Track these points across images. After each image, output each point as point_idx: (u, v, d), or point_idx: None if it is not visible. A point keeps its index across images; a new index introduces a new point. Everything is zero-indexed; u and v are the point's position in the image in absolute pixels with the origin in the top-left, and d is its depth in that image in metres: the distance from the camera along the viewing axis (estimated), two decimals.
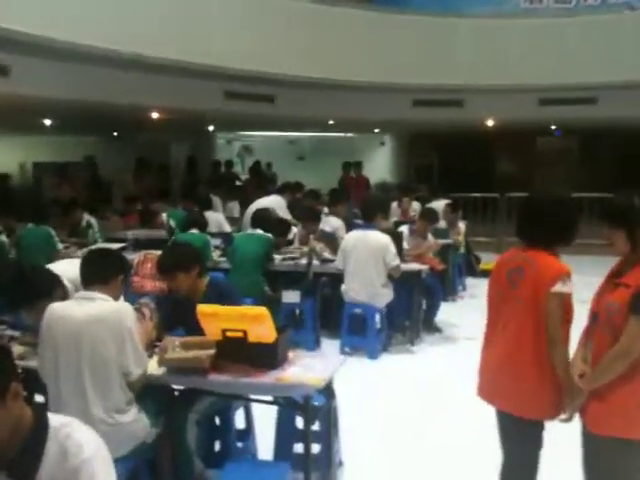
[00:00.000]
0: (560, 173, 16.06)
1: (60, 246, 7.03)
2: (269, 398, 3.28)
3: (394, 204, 9.95)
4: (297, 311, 6.34)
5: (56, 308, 3.04)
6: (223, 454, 3.64)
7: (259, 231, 6.47)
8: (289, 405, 3.16)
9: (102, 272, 3.17)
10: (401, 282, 6.18)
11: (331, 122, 13.60)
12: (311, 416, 3.10)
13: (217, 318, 3.09)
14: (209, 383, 3.09)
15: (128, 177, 13.31)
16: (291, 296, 6.08)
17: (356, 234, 6.14)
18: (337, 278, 6.20)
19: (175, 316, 3.75)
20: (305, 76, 10.38)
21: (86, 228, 7.75)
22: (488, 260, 9.85)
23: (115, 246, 7.16)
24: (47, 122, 12.58)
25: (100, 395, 2.93)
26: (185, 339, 3.38)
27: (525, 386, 2.70)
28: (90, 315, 2.95)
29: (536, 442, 2.80)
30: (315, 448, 3.51)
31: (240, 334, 3.07)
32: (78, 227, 7.81)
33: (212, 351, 3.18)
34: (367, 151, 18.66)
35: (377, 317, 6.12)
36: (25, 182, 13.58)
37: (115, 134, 16.35)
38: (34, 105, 9.65)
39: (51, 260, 6.85)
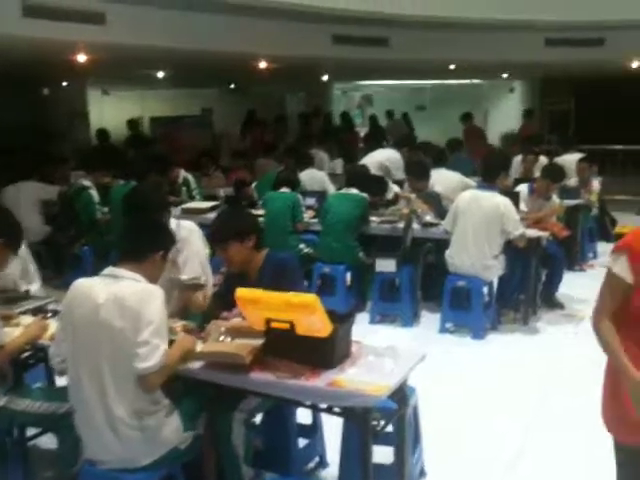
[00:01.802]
0: None
1: None
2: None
3: (517, 158, 8.90)
4: (396, 281, 5.66)
5: (78, 285, 2.62)
6: (283, 454, 3.13)
7: (354, 190, 5.83)
8: (346, 415, 2.56)
9: (136, 246, 2.72)
10: (515, 250, 5.33)
11: (452, 67, 12.47)
12: (370, 431, 2.48)
13: (258, 306, 2.53)
14: (250, 382, 2.56)
15: (236, 131, 13.04)
16: (386, 264, 5.43)
17: (471, 194, 5.33)
18: (443, 244, 5.44)
19: (232, 293, 3.24)
20: (422, 15, 9.38)
21: (182, 185, 7.44)
22: (626, 222, 8.64)
23: (209, 204, 6.85)
24: (160, 74, 12.47)
25: (122, 394, 2.49)
26: (234, 324, 2.87)
27: None
28: (111, 298, 2.49)
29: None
30: (389, 454, 2.93)
31: (286, 325, 2.49)
32: (175, 184, 7.53)
33: (260, 342, 2.64)
34: (495, 99, 17.27)
35: (484, 291, 5.33)
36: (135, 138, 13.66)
37: (231, 86, 16.13)
38: (140, 56, 9.44)
39: None
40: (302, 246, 6.00)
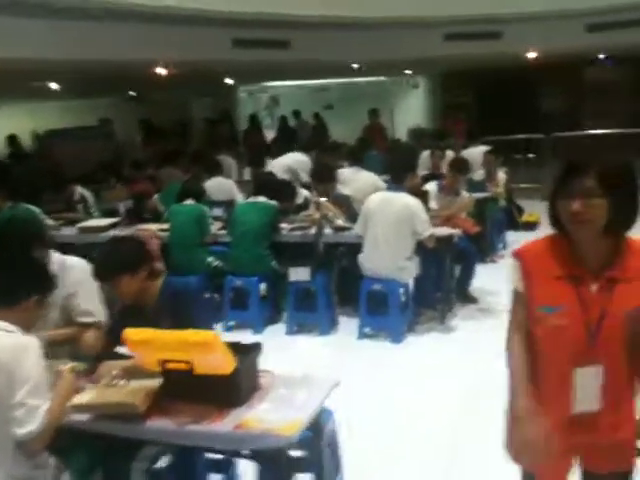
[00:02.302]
0: (612, 107, 14.64)
1: (50, 222, 6.31)
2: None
3: (425, 153, 8.93)
4: (311, 289, 5.48)
5: None
6: None
7: (262, 198, 5.60)
8: (257, 458, 2.34)
9: (6, 290, 2.38)
10: (428, 249, 5.26)
11: (355, 66, 12.46)
12: (285, 471, 2.28)
13: (150, 347, 2.26)
14: (147, 432, 2.29)
15: (137, 140, 12.55)
16: (299, 273, 5.24)
17: (381, 196, 5.20)
18: (357, 248, 5.30)
19: (123, 328, 2.95)
20: (320, 15, 9.26)
21: (78, 202, 6.99)
22: (532, 210, 8.83)
23: (108, 221, 6.46)
24: (54, 86, 11.81)
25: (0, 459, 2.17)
26: (127, 364, 2.59)
27: None
28: None
29: None
30: None
31: (184, 366, 2.24)
32: (71, 202, 7.06)
33: (156, 383, 2.37)
34: (400, 95, 17.45)
35: (401, 293, 5.24)
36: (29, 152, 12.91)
37: (131, 94, 15.54)
38: (32, 69, 8.84)
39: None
40: (211, 259, 5.72)
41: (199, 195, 5.84)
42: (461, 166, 6.20)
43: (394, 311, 5.12)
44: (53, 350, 3.02)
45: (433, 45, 10.56)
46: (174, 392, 2.33)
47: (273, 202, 5.57)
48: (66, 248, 6.27)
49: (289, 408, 2.29)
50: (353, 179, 6.30)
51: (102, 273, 2.84)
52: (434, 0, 9.82)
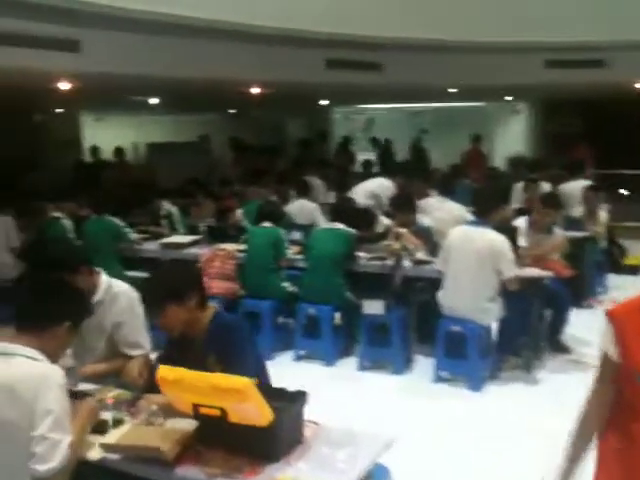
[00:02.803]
0: None
1: (133, 237, 6.37)
2: None
3: (519, 185, 8.45)
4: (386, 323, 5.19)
5: None
6: None
7: (340, 225, 5.39)
8: None
9: (36, 315, 2.26)
10: (515, 290, 4.86)
11: (452, 90, 12.10)
12: None
13: (182, 388, 2.08)
14: (174, 478, 2.10)
15: (229, 157, 12.69)
16: (373, 306, 4.97)
17: (463, 231, 4.85)
18: (438, 283, 4.96)
19: (174, 360, 2.80)
20: (415, 37, 9.02)
21: (164, 217, 7.04)
22: (637, 252, 8.16)
23: (189, 238, 6.44)
24: (152, 101, 12.16)
25: None
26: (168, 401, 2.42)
27: None
28: (0, 381, 2.04)
29: None
30: None
31: (217, 412, 2.04)
32: (158, 216, 7.13)
33: (193, 425, 2.19)
34: (500, 121, 16.83)
35: (481, 336, 4.86)
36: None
37: (231, 111, 15.83)
38: (122, 84, 9.10)
39: (120, 253, 6.27)
40: (286, 284, 5.56)
41: (277, 217, 5.70)
42: (553, 201, 5.71)
43: (473, 356, 4.76)
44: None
45: (533, 71, 10.05)
46: (207, 438, 2.14)
47: (351, 230, 5.34)
48: (148, 263, 6.44)
49: (328, 471, 2.03)
50: (437, 209, 5.97)
51: (150, 301, 2.70)
52: (535, 25, 9.36)
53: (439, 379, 4.90)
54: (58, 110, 13.26)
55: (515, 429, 4.20)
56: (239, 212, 7.06)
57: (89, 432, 2.30)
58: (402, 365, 5.12)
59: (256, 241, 5.59)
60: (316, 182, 8.86)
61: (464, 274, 4.68)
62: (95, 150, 12.04)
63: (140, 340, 3.01)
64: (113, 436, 2.25)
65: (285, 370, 5.24)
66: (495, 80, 10.29)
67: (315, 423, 2.35)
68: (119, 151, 11.71)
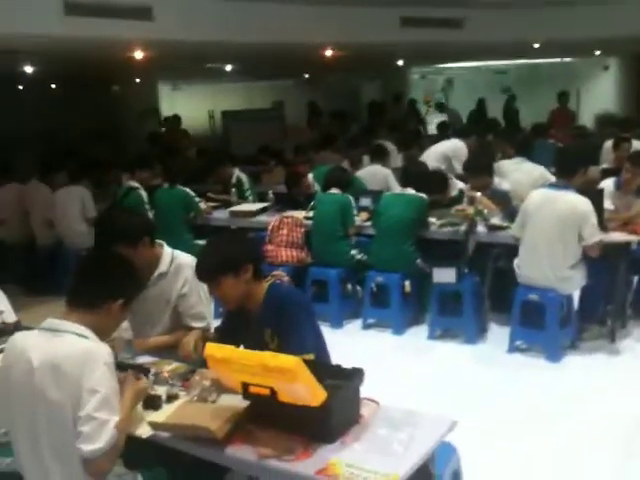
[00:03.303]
0: None
1: (202, 206, 6.39)
2: None
3: (608, 144, 7.91)
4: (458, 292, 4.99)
5: (16, 340, 2.17)
6: None
7: (410, 190, 5.19)
8: None
9: (88, 290, 2.21)
10: (600, 256, 4.54)
11: (536, 46, 11.44)
12: None
13: (230, 367, 2.00)
14: (225, 458, 2.04)
15: (302, 124, 12.53)
16: (444, 275, 4.77)
17: (543, 194, 4.53)
18: (515, 249, 4.70)
19: (233, 332, 2.74)
20: None
21: (235, 185, 7.01)
22: None
23: (258, 206, 6.40)
24: (227, 68, 12.15)
25: (66, 476, 2.03)
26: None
27: None
28: (47, 359, 2.02)
29: None
30: None
31: (267, 391, 1.95)
32: (227, 184, 7.12)
33: (242, 406, 2.11)
34: (587, 78, 15.91)
35: (561, 306, 4.58)
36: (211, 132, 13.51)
37: (305, 76, 15.65)
38: (197, 52, 9.09)
39: (190, 222, 6.31)
40: (354, 252, 5.43)
41: (345, 184, 5.54)
42: None
43: (552, 326, 4.49)
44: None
45: (625, 23, 9.34)
46: (259, 418, 2.06)
47: (422, 195, 5.13)
48: (218, 232, 6.46)
49: (385, 455, 1.92)
50: (514, 171, 5.64)
51: (203, 273, 2.61)
52: None
53: (515, 349, 4.67)
54: (136, 81, 13.49)
55: (596, 397, 3.97)
56: (310, 177, 6.95)
57: (142, 408, 2.27)
58: (475, 334, 4.91)
59: (323, 208, 5.47)
60: (390, 146, 8.62)
61: (543, 241, 4.40)
62: (168, 119, 12.10)
63: (203, 311, 2.97)
64: (164, 413, 2.21)
65: (353, 339, 5.17)
66: (583, 33, 9.64)
67: (374, 402, 2.23)
68: (174, 119, 11.72)
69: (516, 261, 4.62)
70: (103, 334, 2.18)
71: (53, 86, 12.31)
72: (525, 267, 4.55)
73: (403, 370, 4.49)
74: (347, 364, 4.54)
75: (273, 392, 1.93)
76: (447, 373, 4.46)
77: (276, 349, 2.53)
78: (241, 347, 2.75)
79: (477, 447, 3.17)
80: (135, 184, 6.66)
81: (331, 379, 2.12)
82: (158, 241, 3.08)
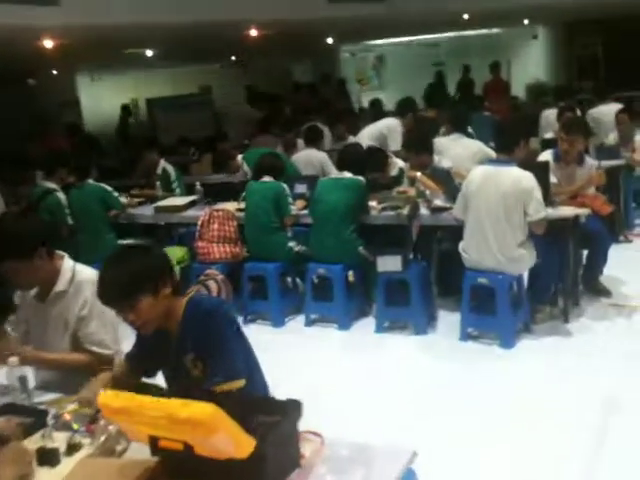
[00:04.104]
0: None
1: (123, 201, 5.87)
2: None
3: (548, 112, 7.79)
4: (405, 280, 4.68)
5: None
6: None
7: (347, 174, 4.84)
8: None
9: None
10: (548, 233, 4.31)
11: (466, 17, 11.24)
12: None
13: (131, 417, 1.60)
14: None
15: (245, 108, 11.98)
16: (389, 263, 4.46)
17: (484, 171, 4.24)
18: (460, 231, 4.43)
19: (145, 360, 2.33)
20: None
21: (161, 177, 6.51)
22: None
23: (185, 200, 5.94)
24: (148, 53, 11.49)
25: None
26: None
27: None
28: None
29: None
30: None
31: (179, 446, 1.56)
32: (152, 176, 6.61)
33: (154, 463, 1.71)
34: (517, 48, 15.89)
35: (512, 288, 4.34)
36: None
37: (233, 59, 15.06)
38: (110, 36, 8.47)
39: (112, 220, 5.80)
40: (292, 244, 5.06)
41: (278, 171, 5.14)
42: (579, 126, 4.94)
43: (504, 310, 4.24)
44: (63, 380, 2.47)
45: None
46: (175, 473, 1.66)
47: (360, 178, 4.80)
48: (144, 229, 5.98)
49: None
50: (453, 147, 5.35)
51: (112, 295, 2.12)
52: None
53: (467, 336, 4.41)
54: (53, 73, 12.66)
55: (552, 384, 3.74)
56: (239, 158, 6.48)
57: (35, 464, 1.85)
58: (424, 324, 4.63)
59: (256, 198, 5.07)
60: (324, 128, 8.24)
61: (488, 221, 4.13)
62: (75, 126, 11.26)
63: (106, 339, 2.53)
64: (62, 472, 1.79)
65: (296, 337, 4.84)
66: (512, 2, 9.48)
67: (318, 435, 1.87)
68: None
69: (461, 244, 4.35)
70: None
71: None
72: (472, 250, 4.28)
73: (351, 369, 4.19)
74: (291, 366, 4.27)
75: (188, 446, 1.54)
76: (399, 368, 4.17)
77: (200, 376, 2.15)
78: (159, 377, 2.37)
79: (439, 447, 2.93)
80: (52, 185, 6.09)
81: (263, 414, 1.75)
82: (59, 252, 2.62)
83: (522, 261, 4.23)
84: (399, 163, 5.49)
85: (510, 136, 4.35)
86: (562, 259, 4.55)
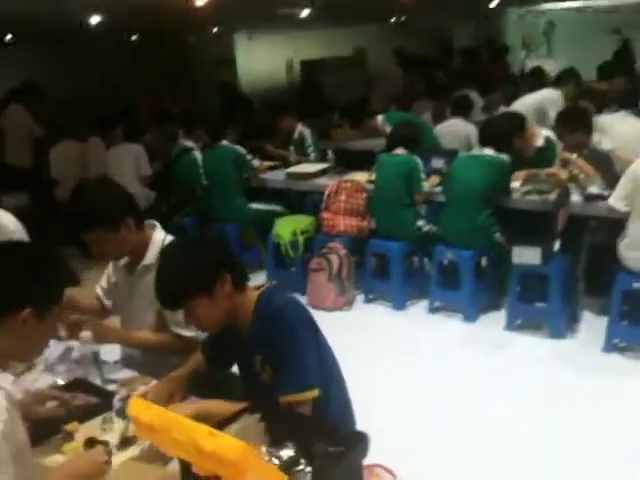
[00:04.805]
0: None
1: (256, 164, 5.74)
2: None
3: None
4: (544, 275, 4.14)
5: None
6: None
7: (489, 151, 4.33)
8: None
9: None
10: None
11: None
12: None
13: (159, 438, 1.36)
14: None
15: (396, 71, 11.52)
16: (526, 255, 3.93)
17: None
18: (617, 224, 3.80)
19: (218, 349, 2.11)
20: None
21: (297, 142, 6.31)
22: None
23: (317, 167, 5.69)
24: (303, 14, 11.32)
25: None
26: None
27: None
28: None
29: None
30: None
31: (211, 478, 1.30)
32: (290, 139, 6.43)
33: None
34: None
35: None
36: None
37: (391, 21, 14.56)
38: None
39: (244, 183, 5.71)
40: (421, 223, 4.67)
41: (411, 142, 4.71)
42: None
43: None
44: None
45: None
46: None
47: (503, 156, 4.27)
48: (275, 194, 5.85)
49: None
50: (615, 126, 4.62)
51: (166, 299, 1.89)
52: None
53: (612, 348, 3.81)
54: (213, 31, 12.92)
55: None
56: (380, 119, 6.02)
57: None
58: (563, 326, 4.07)
59: (385, 172, 4.71)
60: (476, 98, 7.60)
61: None
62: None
63: None
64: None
65: (417, 324, 4.48)
66: None
67: (390, 472, 1.54)
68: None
69: (622, 243, 3.70)
70: (15, 357, 1.60)
71: (131, 38, 11.92)
72: (632, 251, 3.64)
73: (468, 370, 3.77)
74: (407, 355, 3.94)
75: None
76: (525, 375, 3.69)
77: (269, 382, 1.88)
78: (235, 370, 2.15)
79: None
80: (189, 144, 6.12)
81: (324, 442, 1.45)
82: (150, 222, 2.46)
83: None
84: (545, 132, 4.86)
85: None
86: None
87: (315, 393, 1.81)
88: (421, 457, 2.88)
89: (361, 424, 1.82)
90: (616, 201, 3.70)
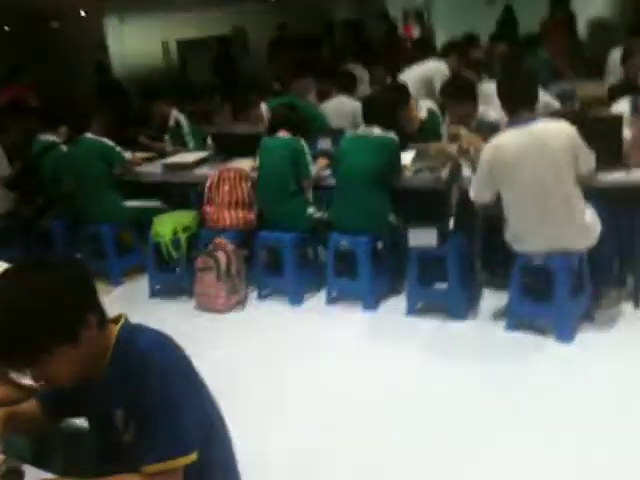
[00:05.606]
0: None
1: (127, 156, 5.21)
2: None
3: (615, 52, 6.76)
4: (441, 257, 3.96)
5: None
6: None
7: (376, 130, 4.08)
8: None
9: None
10: (613, 201, 3.53)
11: None
12: None
13: None
14: None
15: (273, 49, 11.14)
16: (422, 236, 3.74)
17: (526, 133, 3.34)
18: None
19: (62, 409, 1.72)
20: None
21: (172, 130, 5.83)
22: None
23: (195, 156, 5.27)
24: None
25: None
26: None
27: None
28: None
29: None
30: None
31: None
32: (165, 127, 5.94)
33: None
34: None
35: (572, 270, 3.57)
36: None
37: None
38: None
39: (116, 179, 5.21)
40: (311, 210, 4.38)
41: (295, 124, 4.38)
42: None
43: (562, 297, 3.49)
44: None
45: None
46: None
47: (391, 135, 4.04)
48: (156, 189, 5.37)
49: None
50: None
51: (21, 355, 1.44)
52: None
53: (514, 326, 3.68)
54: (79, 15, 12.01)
55: (620, 392, 3.03)
56: (263, 107, 5.68)
57: None
58: (464, 308, 3.92)
59: (270, 157, 4.37)
60: (358, 71, 7.35)
61: (537, 192, 3.34)
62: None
63: None
64: None
65: (315, 317, 4.22)
66: None
67: None
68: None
69: (508, 234, 3.56)
70: None
71: None
72: (519, 236, 3.50)
73: (376, 362, 3.56)
74: (308, 353, 3.67)
75: None
76: (434, 358, 3.51)
77: (132, 441, 1.51)
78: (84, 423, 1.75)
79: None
80: (52, 138, 5.51)
81: None
82: None
83: (591, 230, 3.45)
84: (427, 103, 4.67)
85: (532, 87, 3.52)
86: (631, 231, 3.75)
87: (193, 457, 1.46)
88: (319, 460, 2.63)
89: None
90: (477, 193, 3.54)
